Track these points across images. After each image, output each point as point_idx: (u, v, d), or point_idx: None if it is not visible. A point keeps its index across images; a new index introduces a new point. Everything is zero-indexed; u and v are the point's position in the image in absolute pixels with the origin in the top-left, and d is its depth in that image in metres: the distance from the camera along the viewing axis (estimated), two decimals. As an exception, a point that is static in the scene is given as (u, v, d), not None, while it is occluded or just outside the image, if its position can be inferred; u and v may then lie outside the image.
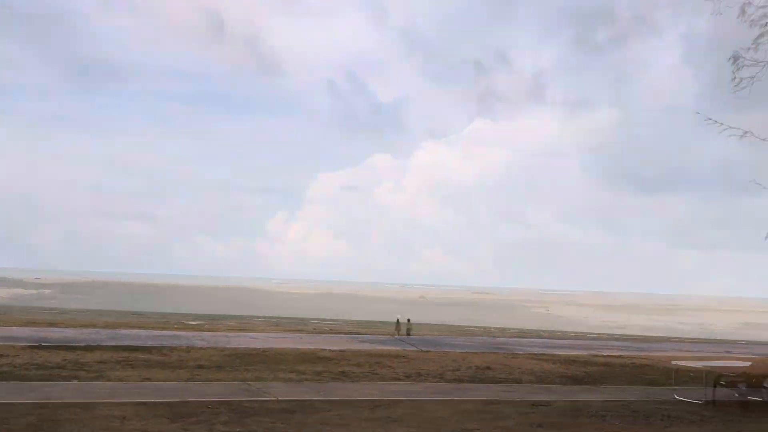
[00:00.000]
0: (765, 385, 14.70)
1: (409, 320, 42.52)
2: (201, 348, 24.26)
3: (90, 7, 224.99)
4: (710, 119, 16.25)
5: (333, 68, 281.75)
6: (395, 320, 43.05)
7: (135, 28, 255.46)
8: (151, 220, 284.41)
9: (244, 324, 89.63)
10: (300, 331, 51.13)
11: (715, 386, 14.45)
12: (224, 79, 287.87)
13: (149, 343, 25.11)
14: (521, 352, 33.04)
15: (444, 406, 11.30)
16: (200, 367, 17.86)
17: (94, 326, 40.44)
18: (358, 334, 49.97)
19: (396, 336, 41.20)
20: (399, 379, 17.27)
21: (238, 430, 8.57)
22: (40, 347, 21.24)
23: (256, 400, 10.82)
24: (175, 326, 50.28)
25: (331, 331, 55.06)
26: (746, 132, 14.00)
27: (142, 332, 33.93)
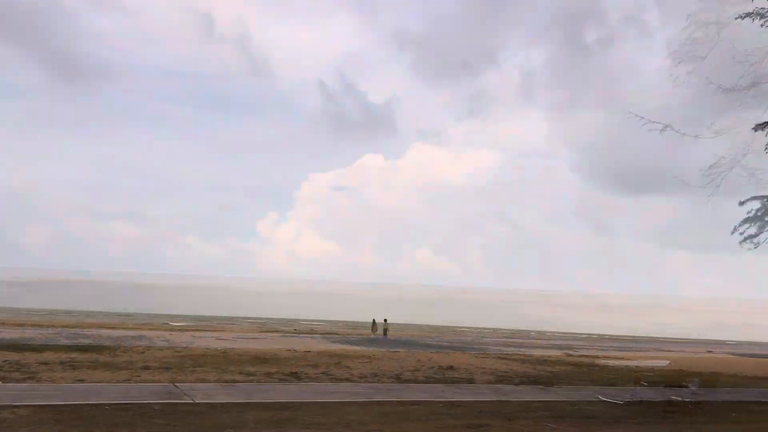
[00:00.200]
0: (685, 384, 14.27)
1: (385, 320, 41.99)
2: (159, 349, 23.61)
3: (79, 6, 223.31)
4: (632, 113, 15.85)
5: (324, 69, 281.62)
6: (371, 321, 42.51)
7: (124, 28, 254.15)
8: (142, 220, 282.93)
9: (230, 324, 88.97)
10: (277, 331, 50.58)
11: (635, 385, 14.07)
12: (215, 79, 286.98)
13: (107, 344, 24.45)
14: (495, 353, 32.61)
15: (364, 408, 10.79)
16: (146, 368, 17.25)
17: (65, 326, 39.82)
18: (336, 334, 49.54)
19: (372, 336, 40.69)
20: (350, 380, 16.73)
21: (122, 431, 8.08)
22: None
23: (170, 403, 10.26)
24: (146, 327, 49.71)
25: (312, 332, 54.59)
26: (666, 126, 13.64)
27: (110, 332, 33.38)
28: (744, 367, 32.26)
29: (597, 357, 34.28)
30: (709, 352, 58.50)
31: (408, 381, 17.15)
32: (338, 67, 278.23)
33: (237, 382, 14.98)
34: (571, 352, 37.94)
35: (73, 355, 19.88)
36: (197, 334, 36.92)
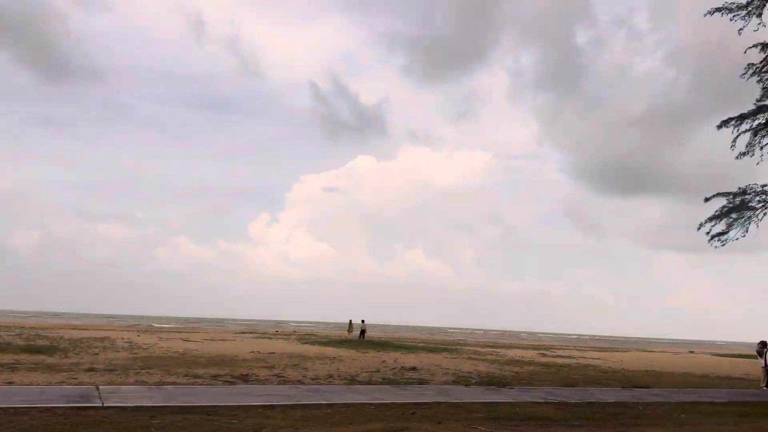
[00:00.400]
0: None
1: (363, 321, 41.51)
2: (116, 350, 23.06)
3: (66, 6, 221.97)
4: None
5: (315, 70, 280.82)
6: (348, 321, 42.02)
7: (113, 29, 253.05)
8: (131, 222, 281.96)
9: (219, 326, 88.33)
10: (256, 333, 50.11)
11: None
12: (205, 80, 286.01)
13: (63, 346, 23.87)
14: (469, 353, 32.21)
15: (287, 412, 10.28)
16: (90, 370, 16.72)
17: (32, 327, 39.21)
18: (314, 335, 49.03)
19: (348, 337, 40.22)
20: (301, 382, 16.20)
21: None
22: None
23: (76, 407, 9.72)
24: (119, 328, 49.18)
25: (294, 333, 54.16)
26: None
27: (75, 333, 32.76)
28: (718, 367, 31.99)
29: (572, 357, 33.99)
30: (691, 352, 58.62)
31: (360, 383, 16.64)
32: (329, 68, 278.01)
33: (177, 384, 14.44)
34: (547, 353, 37.64)
35: (21, 356, 19.34)
36: (170, 335, 36.44)
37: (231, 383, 15.44)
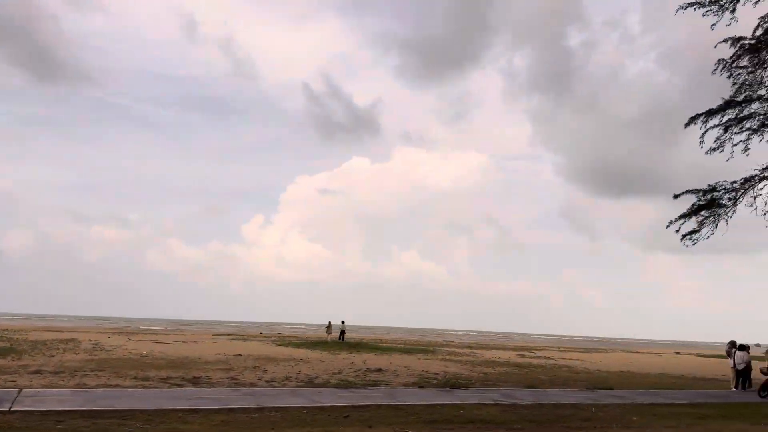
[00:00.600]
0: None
1: (343, 322, 40.93)
2: (76, 353, 22.49)
3: (59, 7, 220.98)
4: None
5: (309, 71, 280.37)
6: (327, 323, 41.43)
7: (106, 30, 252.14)
8: (125, 223, 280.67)
9: (210, 328, 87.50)
10: (232, 335, 49.51)
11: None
12: (199, 81, 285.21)
13: (22, 348, 23.30)
14: (445, 354, 31.73)
15: (208, 417, 9.78)
16: (38, 372, 16.23)
17: (6, 330, 38.54)
18: (295, 337, 48.49)
19: (327, 339, 39.64)
20: (254, 385, 15.69)
21: None
22: None
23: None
24: (95, 330, 48.40)
25: (278, 335, 53.57)
26: None
27: (41, 335, 32.10)
28: (699, 368, 31.60)
29: (550, 358, 33.54)
30: (677, 353, 58.23)
31: (316, 385, 16.14)
32: (323, 69, 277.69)
33: (119, 387, 13.90)
34: (527, 354, 37.18)
35: (-28, 359, 18.80)
36: (144, 337, 35.82)
37: (179, 386, 14.91)
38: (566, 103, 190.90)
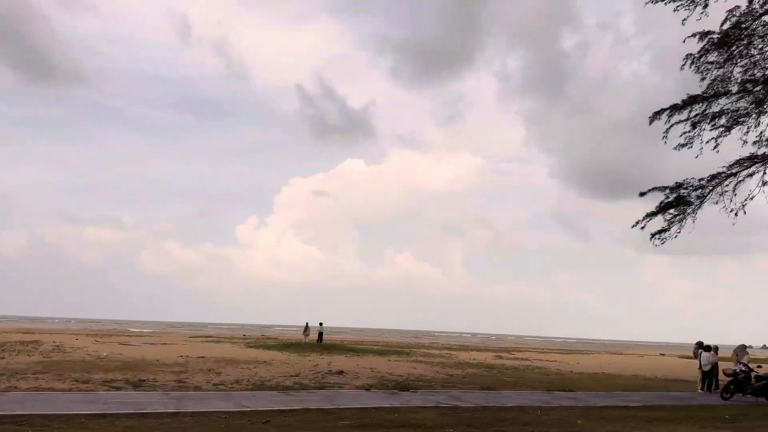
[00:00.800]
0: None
1: (321, 324, 40.38)
2: (29, 354, 21.87)
3: (51, 8, 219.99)
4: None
5: (303, 73, 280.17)
6: (304, 324, 40.82)
7: (99, 31, 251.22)
8: (119, 225, 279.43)
9: (200, 330, 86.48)
10: (208, 337, 48.91)
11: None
12: (192, 83, 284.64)
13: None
14: (419, 356, 31.21)
15: (116, 422, 9.24)
16: (-19, 375, 15.64)
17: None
18: (274, 338, 47.87)
19: (305, 340, 39.05)
20: (199, 388, 15.17)
21: None
22: None
23: None
24: (68, 332, 47.65)
25: (261, 337, 52.90)
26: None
27: (3, 337, 31.39)
28: (675, 370, 31.16)
29: (527, 360, 33.04)
30: (662, 354, 57.81)
31: (264, 388, 15.60)
32: (317, 71, 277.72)
33: (49, 391, 13.34)
34: (504, 355, 36.66)
35: None
36: (112, 339, 35.20)
37: (117, 389, 14.36)
38: (560, 104, 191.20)
